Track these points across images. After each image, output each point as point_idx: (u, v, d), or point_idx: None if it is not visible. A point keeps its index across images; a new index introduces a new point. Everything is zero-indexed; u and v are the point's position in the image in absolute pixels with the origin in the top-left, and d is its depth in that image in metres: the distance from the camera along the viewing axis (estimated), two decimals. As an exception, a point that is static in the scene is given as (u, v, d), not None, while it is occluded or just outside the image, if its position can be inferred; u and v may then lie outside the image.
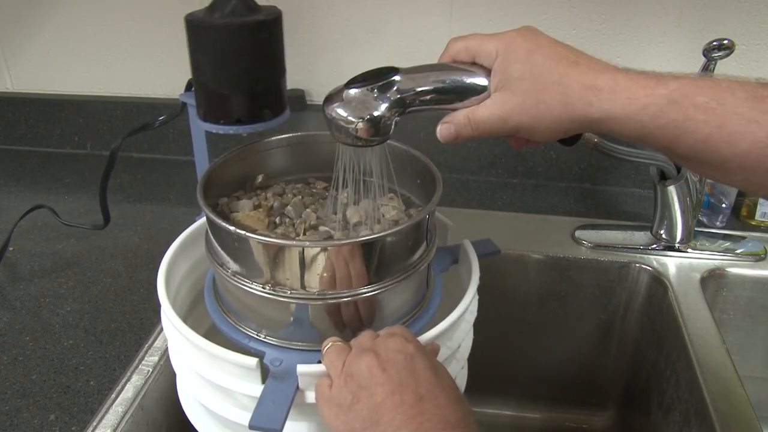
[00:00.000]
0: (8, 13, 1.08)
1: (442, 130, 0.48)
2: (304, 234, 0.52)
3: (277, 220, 0.54)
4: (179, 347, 0.52)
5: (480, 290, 0.56)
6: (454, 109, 0.48)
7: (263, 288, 0.48)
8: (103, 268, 0.81)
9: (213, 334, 0.52)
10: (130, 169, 1.08)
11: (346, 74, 0.48)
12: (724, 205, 0.89)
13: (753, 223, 0.91)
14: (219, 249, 0.51)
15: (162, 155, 1.13)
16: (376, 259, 0.47)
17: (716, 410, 0.60)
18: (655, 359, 0.79)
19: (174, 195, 1.01)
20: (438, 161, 0.52)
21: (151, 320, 0.71)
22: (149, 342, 0.67)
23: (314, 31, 1.00)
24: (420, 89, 0.47)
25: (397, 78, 0.47)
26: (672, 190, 0.80)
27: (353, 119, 0.46)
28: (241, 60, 0.61)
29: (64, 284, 0.78)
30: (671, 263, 0.82)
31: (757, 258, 0.82)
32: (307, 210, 0.55)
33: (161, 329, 0.68)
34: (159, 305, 0.54)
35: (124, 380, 0.63)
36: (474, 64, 0.47)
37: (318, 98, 1.04)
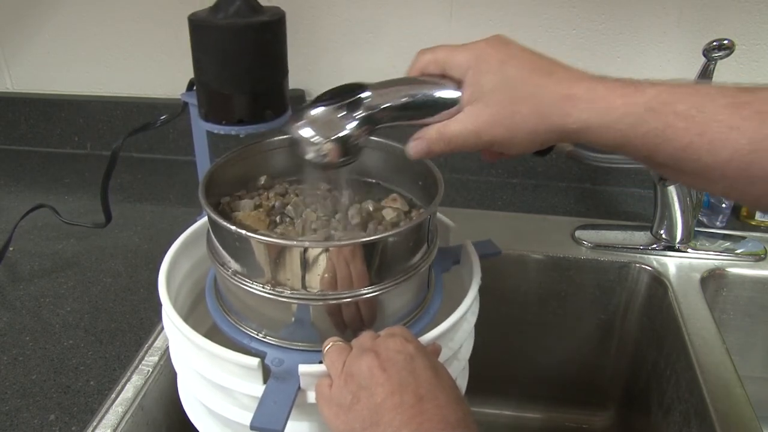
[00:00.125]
0: (8, 13, 1.08)
1: (414, 147, 0.46)
2: (304, 233, 0.52)
3: (278, 219, 0.54)
4: (180, 347, 0.52)
5: (480, 290, 0.56)
6: (426, 124, 0.46)
7: (264, 288, 0.48)
8: (103, 268, 0.81)
9: (214, 334, 0.52)
10: (130, 169, 1.08)
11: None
12: (724, 205, 0.89)
13: (753, 223, 0.91)
14: (220, 248, 0.51)
15: (162, 155, 1.13)
16: (377, 260, 0.47)
17: (716, 410, 0.60)
18: (655, 359, 0.79)
19: (174, 195, 1.01)
20: (438, 161, 0.51)
21: (151, 320, 0.71)
22: (149, 342, 0.68)
23: (314, 31, 1.00)
24: (389, 105, 0.45)
25: (365, 95, 0.45)
26: (672, 190, 0.80)
27: (320, 139, 0.44)
28: (244, 60, 0.61)
29: (64, 284, 0.78)
30: (671, 263, 0.82)
31: (757, 258, 0.82)
32: (308, 210, 0.55)
33: (161, 329, 0.68)
34: (159, 305, 0.54)
35: (124, 380, 0.63)
36: (444, 76, 0.45)
37: (318, 98, 1.04)
